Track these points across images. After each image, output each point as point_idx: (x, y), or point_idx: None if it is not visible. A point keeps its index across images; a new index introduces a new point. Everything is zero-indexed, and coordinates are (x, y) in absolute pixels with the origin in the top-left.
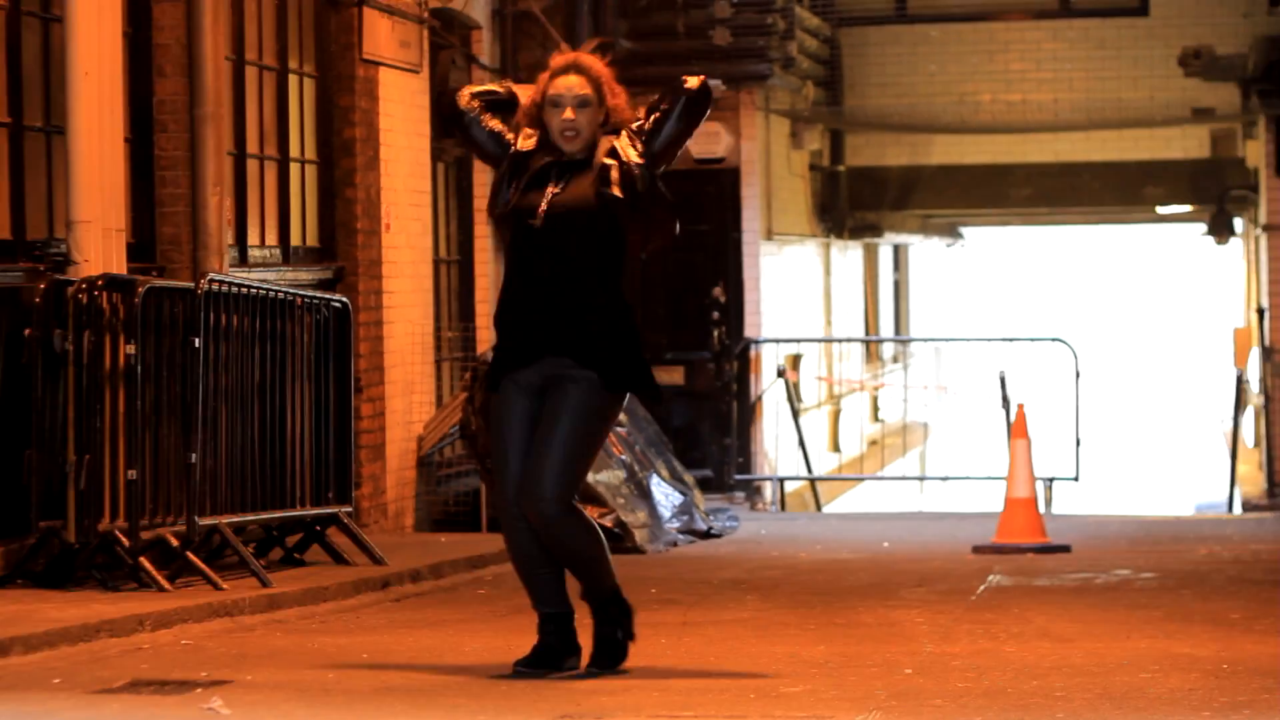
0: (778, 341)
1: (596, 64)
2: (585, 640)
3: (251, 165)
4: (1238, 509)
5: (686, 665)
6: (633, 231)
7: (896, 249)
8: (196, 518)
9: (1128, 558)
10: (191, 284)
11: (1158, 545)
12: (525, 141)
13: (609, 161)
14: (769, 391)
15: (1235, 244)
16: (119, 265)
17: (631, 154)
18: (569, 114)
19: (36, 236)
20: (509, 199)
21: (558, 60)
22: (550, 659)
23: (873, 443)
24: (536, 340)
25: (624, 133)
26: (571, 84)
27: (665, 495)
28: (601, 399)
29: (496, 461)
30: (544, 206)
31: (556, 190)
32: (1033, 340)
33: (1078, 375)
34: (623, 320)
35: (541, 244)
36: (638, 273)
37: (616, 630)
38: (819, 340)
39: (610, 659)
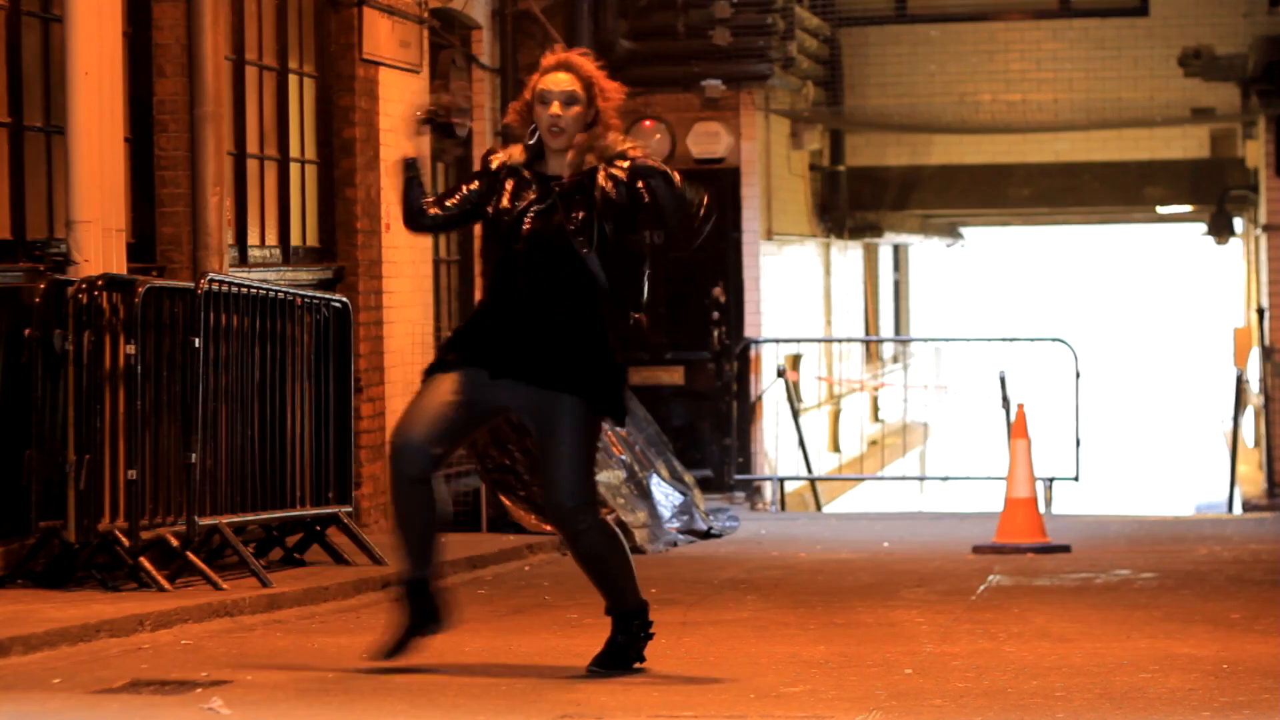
0: (778, 341)
1: (587, 64)
2: (593, 644)
3: (251, 165)
4: (1238, 509)
5: (686, 665)
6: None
7: (896, 249)
8: (196, 518)
9: (1128, 558)
10: (191, 284)
11: (1158, 545)
12: (509, 160)
13: (580, 201)
14: (769, 391)
15: (1235, 244)
16: (119, 265)
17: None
18: (556, 109)
19: (36, 236)
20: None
21: (549, 59)
22: (421, 622)
23: (873, 443)
24: (510, 356)
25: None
26: (560, 80)
27: (665, 495)
28: (585, 409)
29: (409, 412)
30: (525, 227)
31: (540, 210)
32: (1033, 340)
33: (1078, 375)
34: (601, 340)
35: (522, 263)
36: None
37: (630, 641)
38: (819, 340)
39: (616, 665)
